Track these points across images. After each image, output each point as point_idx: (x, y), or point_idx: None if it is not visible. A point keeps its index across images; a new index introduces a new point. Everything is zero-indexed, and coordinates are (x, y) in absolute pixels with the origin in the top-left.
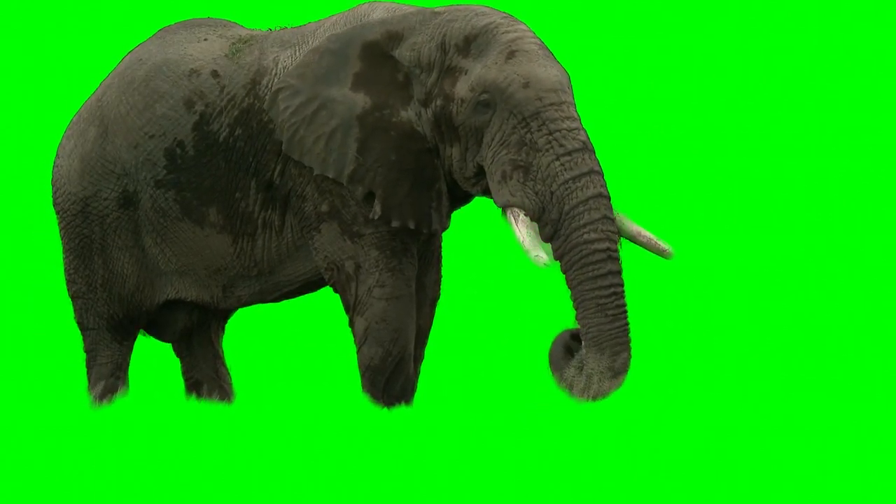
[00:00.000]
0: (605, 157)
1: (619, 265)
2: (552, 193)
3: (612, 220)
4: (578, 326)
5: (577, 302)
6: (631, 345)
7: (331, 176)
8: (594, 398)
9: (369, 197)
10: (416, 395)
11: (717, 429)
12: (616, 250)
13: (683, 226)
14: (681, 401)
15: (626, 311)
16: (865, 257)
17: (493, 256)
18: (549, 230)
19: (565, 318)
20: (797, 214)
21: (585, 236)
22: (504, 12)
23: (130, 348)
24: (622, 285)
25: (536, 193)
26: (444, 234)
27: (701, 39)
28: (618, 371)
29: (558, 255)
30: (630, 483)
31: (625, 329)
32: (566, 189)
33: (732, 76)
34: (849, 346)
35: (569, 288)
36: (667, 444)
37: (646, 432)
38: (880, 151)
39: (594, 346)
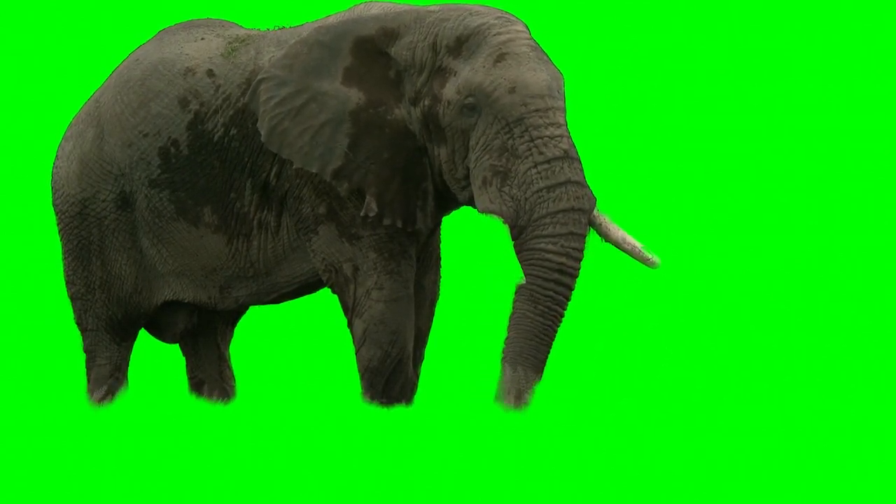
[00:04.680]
0: (600, 158)
1: (571, 281)
2: (526, 200)
3: (580, 236)
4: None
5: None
6: (544, 369)
7: (313, 171)
8: (516, 396)
9: (355, 194)
10: (416, 395)
11: (709, 431)
12: (573, 267)
13: (676, 229)
14: (668, 406)
15: (558, 322)
16: (861, 259)
17: (493, 257)
18: (515, 234)
19: (573, 313)
20: (790, 219)
21: (542, 245)
22: (501, 11)
23: (129, 349)
24: (566, 300)
25: (512, 199)
26: (444, 235)
27: (698, 41)
28: (523, 393)
29: (517, 255)
30: (627, 484)
31: (544, 351)
32: (539, 198)
33: (729, 79)
34: (841, 350)
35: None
36: (661, 446)
37: (641, 434)
38: (876, 154)
39: (511, 360)
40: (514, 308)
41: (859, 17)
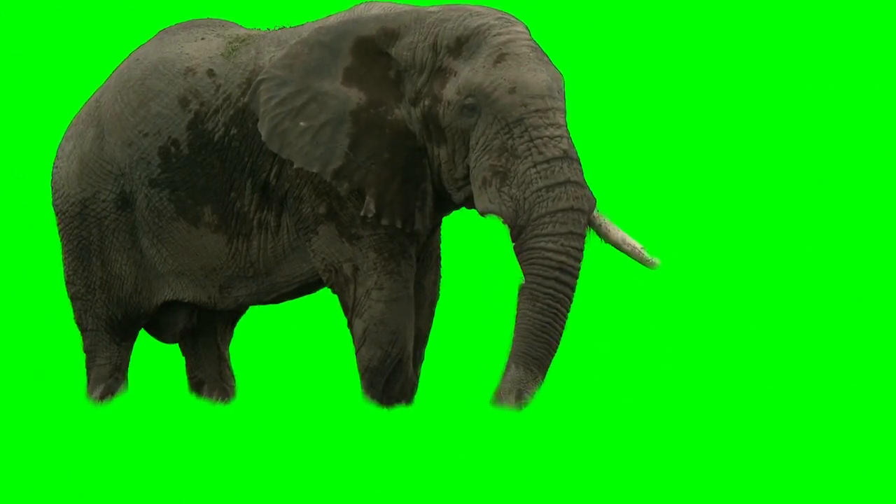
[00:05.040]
0: (600, 159)
1: (572, 280)
2: (525, 200)
3: (580, 235)
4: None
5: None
6: (547, 370)
7: (314, 171)
8: (504, 407)
9: (355, 194)
10: (416, 395)
11: (709, 431)
12: (573, 266)
13: (676, 230)
14: (667, 406)
15: (560, 320)
16: (861, 259)
17: (493, 257)
18: (515, 234)
19: (573, 314)
20: (790, 219)
21: (542, 244)
22: (501, 12)
23: (129, 349)
24: (567, 299)
25: (511, 199)
26: (444, 236)
27: (698, 41)
28: (523, 392)
29: (517, 256)
30: (627, 483)
31: (549, 351)
32: (538, 197)
33: (729, 79)
34: (841, 349)
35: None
36: (661, 447)
37: (640, 435)
38: (876, 154)
39: (513, 360)
40: (517, 309)
41: (859, 17)
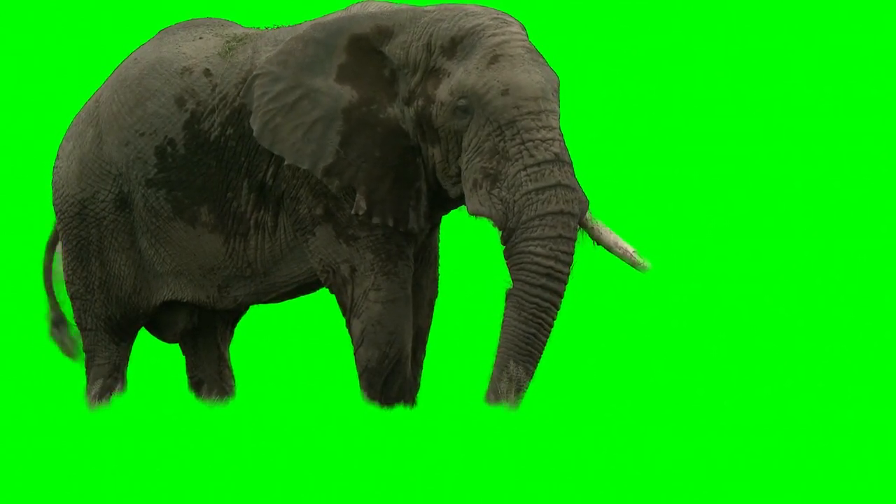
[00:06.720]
0: (596, 161)
1: (560, 286)
2: (514, 202)
3: (570, 239)
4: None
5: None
6: (537, 364)
7: (304, 167)
8: (499, 404)
9: (346, 192)
10: (416, 395)
11: (701, 433)
12: (562, 272)
13: (668, 233)
14: (660, 409)
15: (545, 330)
16: (854, 260)
17: (492, 256)
18: (504, 237)
19: (564, 317)
20: (782, 222)
21: (531, 248)
22: (497, 12)
23: (129, 349)
24: (554, 307)
25: (501, 201)
26: (442, 234)
27: (693, 44)
28: (517, 387)
29: (506, 260)
30: (624, 484)
31: (536, 348)
32: (527, 200)
33: (723, 82)
34: (835, 350)
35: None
36: (655, 448)
37: (635, 436)
38: (871, 156)
39: (502, 355)
40: (503, 315)
41: (859, 17)
